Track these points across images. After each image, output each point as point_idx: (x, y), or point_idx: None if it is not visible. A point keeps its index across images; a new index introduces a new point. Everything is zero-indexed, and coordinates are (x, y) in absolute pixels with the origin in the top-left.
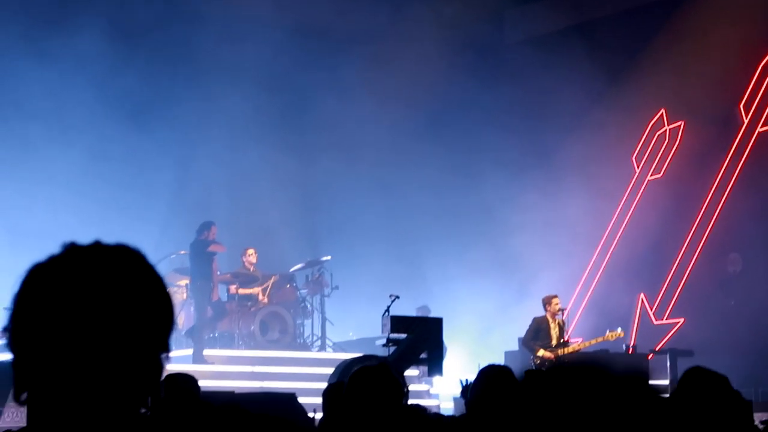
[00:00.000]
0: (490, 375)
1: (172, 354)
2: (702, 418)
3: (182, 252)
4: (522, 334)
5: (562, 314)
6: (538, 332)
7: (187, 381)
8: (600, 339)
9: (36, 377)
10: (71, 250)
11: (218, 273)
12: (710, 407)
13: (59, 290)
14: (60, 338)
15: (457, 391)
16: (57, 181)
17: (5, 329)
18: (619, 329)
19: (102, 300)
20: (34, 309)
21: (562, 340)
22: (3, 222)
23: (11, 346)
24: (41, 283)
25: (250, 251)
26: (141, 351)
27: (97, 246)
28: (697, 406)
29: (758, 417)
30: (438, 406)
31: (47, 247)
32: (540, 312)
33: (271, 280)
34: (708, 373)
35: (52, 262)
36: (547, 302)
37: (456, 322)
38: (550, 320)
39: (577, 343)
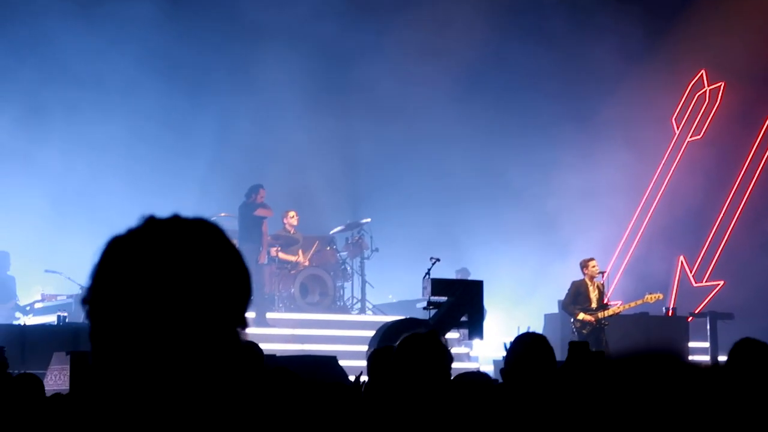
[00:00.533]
0: (525, 343)
1: None
2: (755, 390)
3: (222, 214)
4: (561, 296)
5: (602, 277)
6: (577, 296)
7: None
8: (639, 301)
9: (115, 349)
10: (150, 222)
11: (268, 237)
12: (762, 378)
13: (139, 263)
14: (140, 311)
15: (498, 353)
16: (98, 144)
17: (84, 300)
18: (659, 292)
19: (181, 274)
20: (115, 282)
21: (602, 303)
22: (46, 185)
23: (91, 316)
24: (121, 255)
25: (291, 213)
26: (219, 324)
27: (175, 219)
28: (749, 378)
29: None
30: (478, 369)
31: (89, 210)
32: (579, 275)
33: (314, 247)
34: (759, 344)
35: (131, 234)
36: (584, 265)
37: (495, 284)
38: (589, 283)
39: (616, 305)
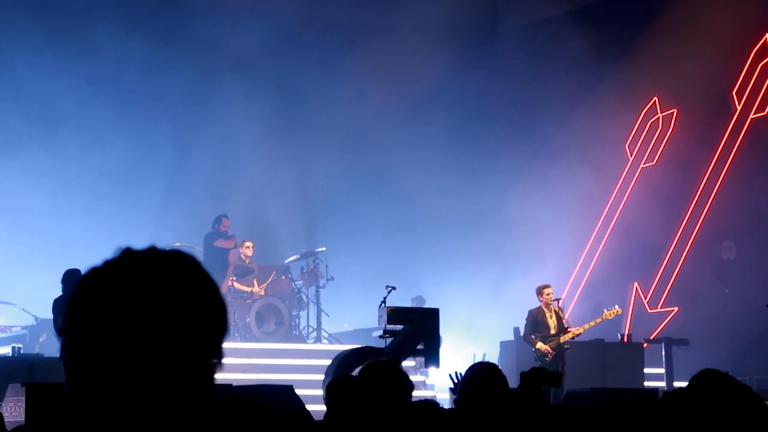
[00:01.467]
0: (479, 372)
1: None
2: (716, 415)
3: (177, 244)
4: (517, 324)
5: (557, 303)
6: (536, 324)
7: None
8: (599, 320)
9: (91, 379)
10: (126, 254)
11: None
12: (724, 404)
13: (116, 295)
14: (117, 343)
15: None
16: (53, 176)
17: (60, 331)
18: (617, 306)
19: (157, 305)
20: (91, 313)
21: (562, 327)
22: (0, 216)
23: (67, 347)
24: (99, 287)
25: (248, 243)
26: (194, 356)
27: (152, 251)
28: (710, 404)
29: None
30: (434, 397)
31: (44, 241)
32: (534, 303)
33: (270, 278)
34: (720, 375)
35: (108, 266)
36: (539, 292)
37: (451, 312)
38: (546, 310)
39: (576, 328)
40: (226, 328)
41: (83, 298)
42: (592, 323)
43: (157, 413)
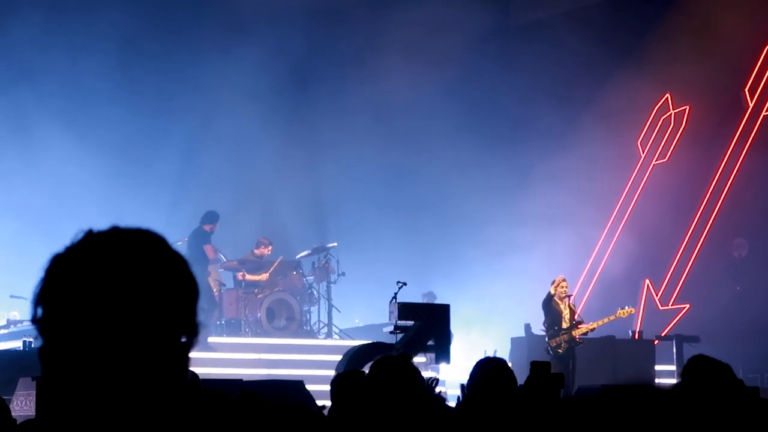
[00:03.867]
0: (486, 368)
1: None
2: (706, 407)
3: (185, 239)
4: (528, 319)
5: (570, 299)
6: (555, 317)
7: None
8: (612, 317)
9: (62, 365)
10: (89, 236)
11: (222, 261)
12: (714, 396)
13: (81, 278)
14: (85, 325)
15: (464, 377)
16: (64, 167)
17: (33, 319)
18: (630, 306)
19: (123, 284)
20: (58, 298)
21: (573, 321)
22: (10, 209)
23: (40, 335)
24: (63, 271)
25: (269, 247)
26: (165, 334)
27: (115, 231)
28: (701, 395)
29: None
30: (445, 393)
31: (55, 234)
32: (545, 299)
33: (277, 261)
34: (711, 361)
35: (72, 250)
36: (554, 283)
37: (462, 308)
38: (560, 302)
39: (590, 323)
40: (195, 303)
41: (49, 283)
42: (606, 320)
43: (131, 394)
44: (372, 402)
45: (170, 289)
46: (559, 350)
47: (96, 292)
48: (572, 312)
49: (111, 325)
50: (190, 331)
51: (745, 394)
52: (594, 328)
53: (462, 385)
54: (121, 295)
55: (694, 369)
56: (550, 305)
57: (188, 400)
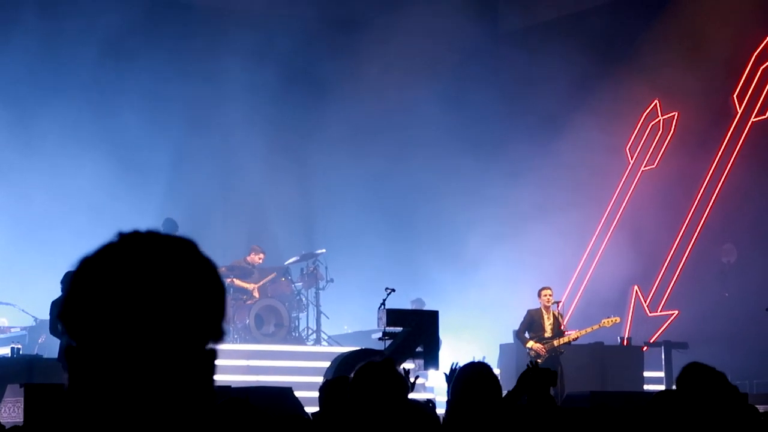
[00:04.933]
0: (470, 373)
1: None
2: (702, 414)
3: None
4: (516, 326)
5: (557, 306)
6: (531, 324)
7: None
8: (596, 326)
9: (88, 367)
10: (120, 238)
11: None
12: (710, 403)
13: (110, 280)
14: (113, 328)
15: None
16: (53, 175)
17: (60, 315)
18: (615, 316)
19: (153, 288)
20: (87, 300)
21: (559, 331)
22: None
23: (69, 334)
24: (93, 273)
25: (261, 255)
26: (194, 340)
27: (145, 234)
28: (696, 402)
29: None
30: (434, 399)
31: (43, 242)
32: (533, 304)
33: (269, 278)
34: (706, 369)
35: (102, 252)
36: (539, 294)
37: (450, 314)
38: (544, 312)
39: (573, 332)
40: (223, 310)
41: (80, 284)
42: (589, 329)
43: (159, 401)
44: (356, 408)
45: (200, 294)
46: (539, 360)
47: (125, 296)
48: (557, 322)
49: (140, 329)
50: (216, 338)
51: (740, 400)
52: (577, 338)
53: (445, 373)
54: (150, 299)
55: (689, 376)
56: (533, 316)
57: (213, 408)
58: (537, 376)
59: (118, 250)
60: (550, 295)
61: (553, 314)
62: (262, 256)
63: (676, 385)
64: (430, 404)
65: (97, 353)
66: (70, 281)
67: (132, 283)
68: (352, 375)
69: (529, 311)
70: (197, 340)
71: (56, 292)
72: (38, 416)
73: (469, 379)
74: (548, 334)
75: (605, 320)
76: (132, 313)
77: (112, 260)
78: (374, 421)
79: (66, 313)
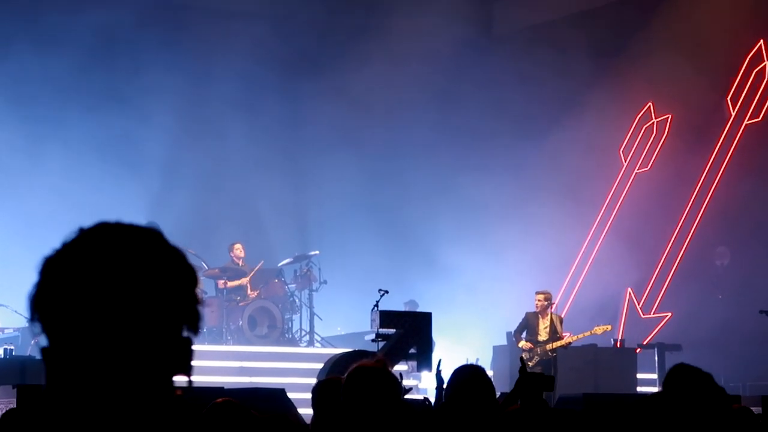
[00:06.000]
0: (464, 375)
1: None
2: (688, 415)
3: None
4: (510, 328)
5: (551, 308)
6: (527, 327)
7: None
8: (588, 333)
9: (64, 365)
10: (80, 234)
11: (203, 269)
12: (696, 404)
13: (75, 275)
14: (84, 323)
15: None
16: (43, 175)
17: (31, 320)
18: (606, 324)
19: (119, 278)
20: (53, 298)
21: (554, 335)
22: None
23: (42, 327)
24: (56, 270)
25: (238, 246)
26: (166, 327)
27: (105, 226)
28: (682, 403)
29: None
30: (428, 400)
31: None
32: (528, 307)
33: (258, 266)
34: (693, 370)
35: (64, 248)
36: (535, 298)
37: (444, 316)
38: (540, 316)
39: (566, 337)
40: (194, 294)
41: (44, 284)
42: (581, 335)
43: (135, 391)
44: (349, 409)
45: (167, 280)
46: (530, 362)
47: (91, 289)
48: (554, 326)
49: (110, 321)
50: (191, 323)
51: (727, 402)
52: (570, 343)
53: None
54: (117, 290)
55: (675, 377)
56: (528, 319)
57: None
58: (533, 380)
59: (78, 245)
60: (541, 300)
61: (551, 318)
62: (239, 246)
63: (663, 386)
64: (426, 402)
65: (70, 347)
66: (40, 272)
67: (95, 275)
68: (344, 376)
69: (526, 314)
70: (171, 327)
71: None
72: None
73: (463, 382)
74: (542, 337)
75: (597, 328)
76: (103, 302)
77: (73, 255)
78: (367, 421)
79: (38, 306)
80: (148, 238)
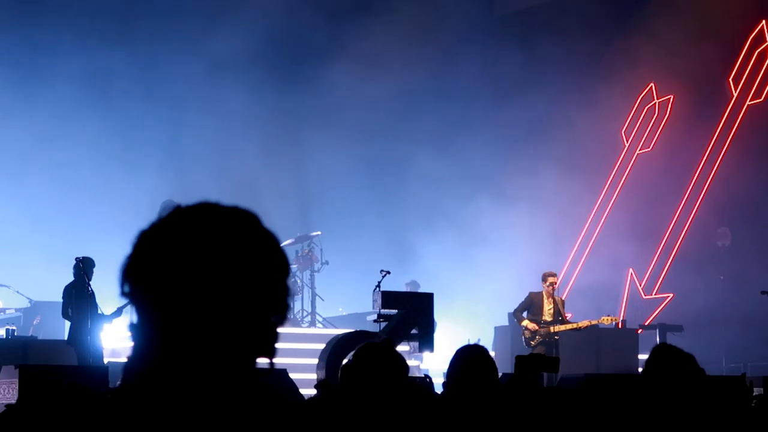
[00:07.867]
0: (466, 355)
1: None
2: (668, 394)
3: None
4: (511, 308)
5: (553, 288)
6: (530, 306)
7: None
8: (594, 321)
9: (151, 341)
10: (178, 211)
11: None
12: (676, 384)
13: (170, 253)
14: (174, 302)
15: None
16: (49, 159)
17: (122, 293)
18: (612, 315)
19: (213, 260)
20: (147, 274)
21: (559, 317)
22: None
23: (134, 297)
24: (151, 247)
25: None
26: (256, 311)
27: (204, 206)
28: (663, 383)
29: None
30: (430, 375)
31: (38, 224)
32: (529, 288)
33: None
34: (674, 350)
35: (160, 225)
36: (543, 278)
37: (445, 297)
38: (545, 296)
39: (572, 323)
40: (286, 282)
41: (137, 259)
42: (587, 323)
43: (221, 374)
44: (356, 388)
45: (262, 266)
46: (532, 342)
47: (190, 264)
48: (557, 309)
49: (204, 298)
50: (280, 311)
51: (707, 383)
52: (573, 328)
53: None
54: (211, 272)
55: (657, 358)
56: (533, 299)
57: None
58: (537, 362)
59: (175, 222)
60: (555, 281)
61: (555, 300)
62: None
63: (645, 366)
64: (427, 379)
65: (157, 328)
66: (135, 245)
67: (191, 255)
68: (349, 357)
69: (530, 293)
70: (262, 310)
71: (54, 274)
72: (33, 397)
73: (466, 361)
74: (547, 318)
75: (604, 317)
76: (200, 280)
77: (170, 233)
78: (374, 400)
79: (130, 277)
80: (248, 221)
